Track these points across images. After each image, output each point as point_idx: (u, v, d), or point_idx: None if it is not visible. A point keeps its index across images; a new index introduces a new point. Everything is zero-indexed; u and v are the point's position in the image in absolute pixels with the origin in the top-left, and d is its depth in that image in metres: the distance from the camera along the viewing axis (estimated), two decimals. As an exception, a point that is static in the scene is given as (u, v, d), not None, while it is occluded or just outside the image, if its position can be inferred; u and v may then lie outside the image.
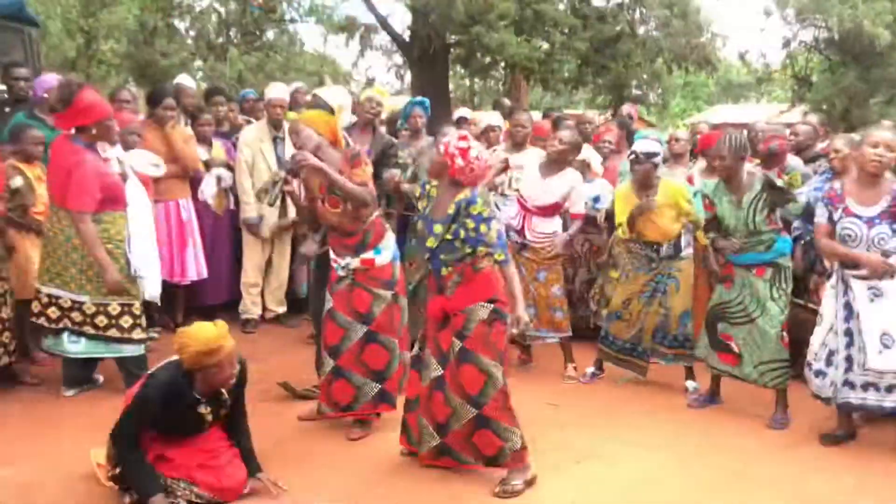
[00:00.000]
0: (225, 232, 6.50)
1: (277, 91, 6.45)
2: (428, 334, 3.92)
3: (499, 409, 3.75)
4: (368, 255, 4.28)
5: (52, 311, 4.68)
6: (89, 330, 4.69)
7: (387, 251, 4.35)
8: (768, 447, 4.47)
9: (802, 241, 5.40)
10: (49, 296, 4.68)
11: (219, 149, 6.46)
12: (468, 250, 3.70)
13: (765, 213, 4.69)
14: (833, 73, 17.86)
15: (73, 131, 4.64)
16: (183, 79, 7.39)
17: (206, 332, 3.45)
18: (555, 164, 5.46)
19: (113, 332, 4.71)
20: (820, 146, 6.21)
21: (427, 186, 3.95)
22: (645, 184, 5.15)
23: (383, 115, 8.30)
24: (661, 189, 5.13)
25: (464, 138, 3.79)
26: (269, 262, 6.57)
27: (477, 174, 3.79)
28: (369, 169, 4.30)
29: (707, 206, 4.87)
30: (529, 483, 3.82)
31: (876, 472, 4.16)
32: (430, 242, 3.76)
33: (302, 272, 6.71)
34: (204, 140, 6.34)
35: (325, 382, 4.38)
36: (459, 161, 3.73)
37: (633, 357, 5.37)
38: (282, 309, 6.71)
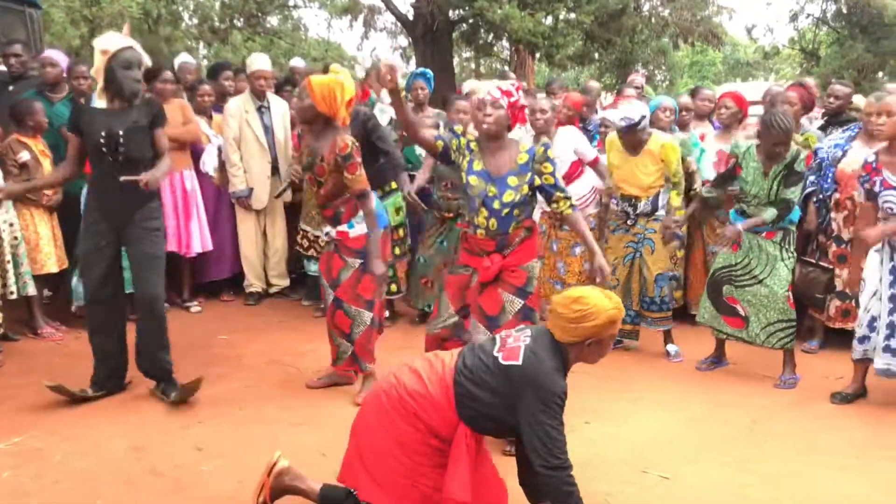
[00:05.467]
0: (227, 206, 6.45)
1: (260, 62, 6.38)
2: (469, 301, 3.75)
3: None
4: (342, 227, 4.36)
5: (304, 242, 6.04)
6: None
7: (360, 225, 4.36)
8: (778, 405, 4.45)
9: (815, 199, 5.36)
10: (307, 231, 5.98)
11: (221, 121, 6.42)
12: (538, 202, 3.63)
13: (783, 186, 4.64)
14: (841, 46, 17.73)
15: None
16: (183, 57, 7.39)
17: (606, 298, 2.84)
18: (544, 134, 5.42)
19: None
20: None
21: (462, 139, 3.72)
22: (634, 147, 5.09)
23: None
24: (652, 142, 5.07)
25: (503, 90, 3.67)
26: (264, 236, 6.55)
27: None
28: (362, 167, 4.24)
29: (727, 163, 4.82)
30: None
31: (886, 426, 4.14)
32: (510, 196, 3.57)
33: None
34: (203, 112, 6.32)
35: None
36: (517, 96, 3.63)
37: (624, 323, 5.32)
38: (285, 282, 6.69)
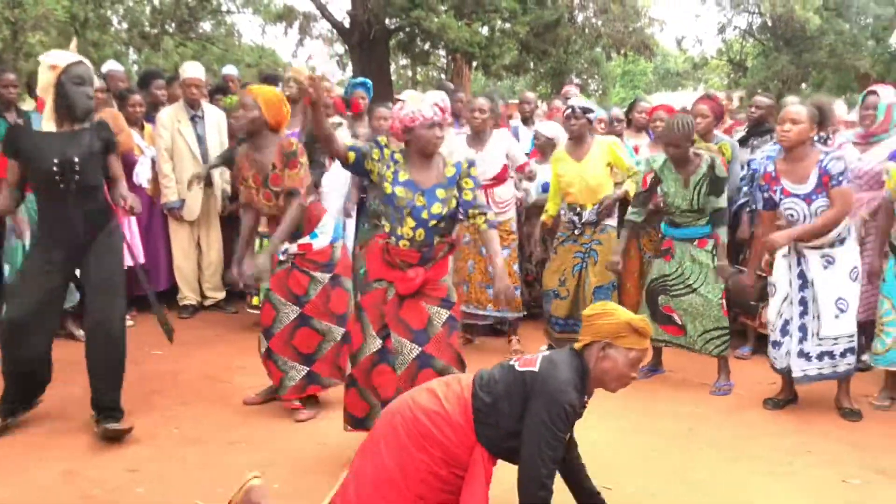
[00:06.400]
0: (160, 218, 6.34)
1: (193, 70, 6.28)
2: (389, 318, 3.56)
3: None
4: (304, 240, 4.28)
5: None
6: None
7: (324, 235, 4.33)
8: (712, 412, 4.55)
9: (748, 209, 5.50)
10: None
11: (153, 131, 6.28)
12: (461, 216, 3.62)
13: (707, 193, 4.75)
14: (766, 58, 18.30)
15: None
16: (111, 65, 7.23)
17: (629, 312, 2.87)
18: (481, 133, 5.49)
19: None
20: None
21: (385, 150, 3.57)
22: (579, 140, 5.23)
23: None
24: (595, 145, 5.24)
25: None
26: (199, 248, 6.43)
27: None
28: (304, 168, 4.20)
29: (648, 181, 4.91)
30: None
31: (815, 433, 4.26)
32: (438, 208, 3.49)
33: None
34: (134, 122, 6.17)
35: (263, 362, 4.41)
36: (447, 116, 3.60)
37: (574, 333, 5.38)
38: (220, 295, 6.58)
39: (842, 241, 4.36)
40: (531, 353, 2.96)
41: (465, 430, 2.72)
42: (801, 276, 4.43)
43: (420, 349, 3.51)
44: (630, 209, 5.07)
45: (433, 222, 3.51)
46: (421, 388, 2.90)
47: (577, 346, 2.84)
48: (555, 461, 2.68)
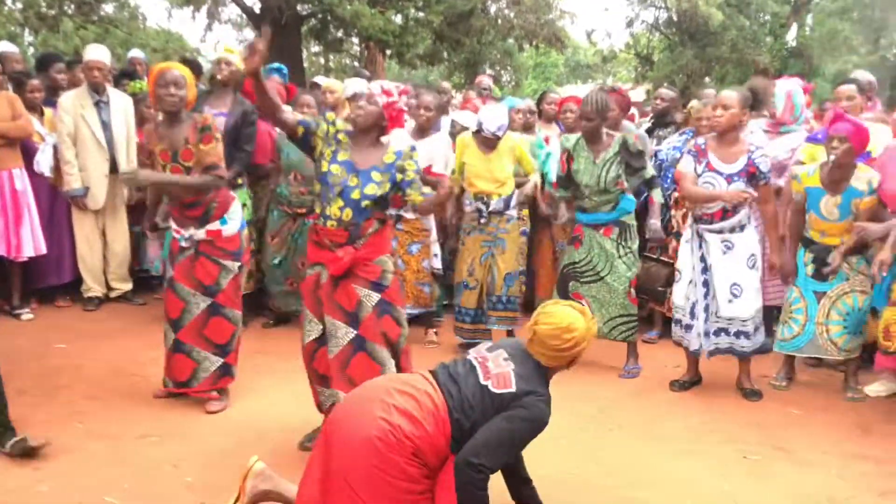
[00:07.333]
0: (64, 207, 6.08)
1: (96, 53, 6.00)
2: (324, 301, 3.58)
3: (408, 357, 3.71)
4: (214, 225, 4.17)
5: None
6: None
7: (233, 221, 4.24)
8: (622, 394, 4.70)
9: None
10: None
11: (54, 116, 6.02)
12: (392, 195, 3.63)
13: (616, 174, 4.87)
14: (672, 52, 18.84)
15: None
16: (5, 45, 6.90)
17: (581, 322, 2.84)
18: (424, 130, 5.50)
19: None
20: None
21: (331, 127, 3.62)
22: (490, 146, 5.28)
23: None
24: (505, 140, 5.30)
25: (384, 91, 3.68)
26: (104, 238, 6.21)
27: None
28: (219, 143, 4.11)
29: (564, 161, 5.02)
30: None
31: (718, 412, 4.46)
32: (372, 189, 3.51)
33: (153, 248, 6.40)
34: (33, 108, 5.90)
35: (167, 356, 4.30)
36: (396, 98, 3.61)
37: (483, 325, 5.41)
38: (126, 286, 6.36)
39: (742, 228, 4.56)
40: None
41: (442, 446, 2.69)
42: (703, 259, 4.62)
43: (355, 332, 3.52)
44: (557, 191, 5.28)
45: (365, 203, 3.52)
46: (390, 407, 2.66)
47: (546, 364, 2.88)
48: (502, 465, 2.76)
